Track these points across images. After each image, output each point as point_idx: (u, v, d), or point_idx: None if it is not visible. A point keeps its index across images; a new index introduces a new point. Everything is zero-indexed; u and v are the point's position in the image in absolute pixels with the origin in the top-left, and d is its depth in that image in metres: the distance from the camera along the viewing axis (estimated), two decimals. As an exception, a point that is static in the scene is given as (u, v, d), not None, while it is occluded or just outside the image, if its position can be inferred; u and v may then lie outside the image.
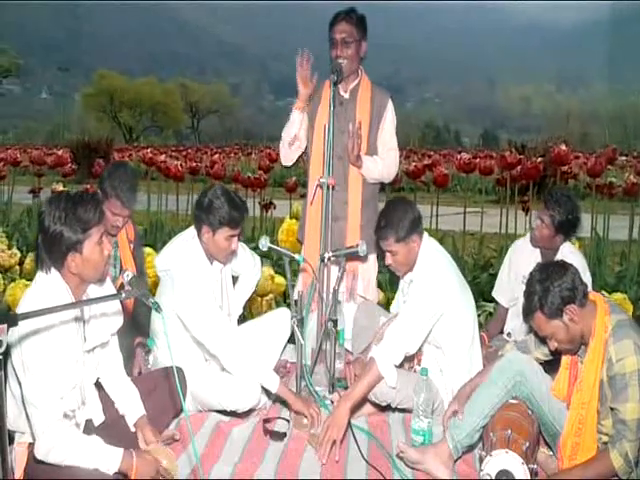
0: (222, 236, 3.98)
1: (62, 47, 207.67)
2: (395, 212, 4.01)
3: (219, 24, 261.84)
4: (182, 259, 4.04)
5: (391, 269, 4.18)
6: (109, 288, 3.38)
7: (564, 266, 3.32)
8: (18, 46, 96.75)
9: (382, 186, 5.10)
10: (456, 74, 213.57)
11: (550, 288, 3.21)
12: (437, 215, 9.32)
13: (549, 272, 3.27)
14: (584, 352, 3.33)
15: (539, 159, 9.04)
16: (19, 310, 2.97)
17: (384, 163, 4.82)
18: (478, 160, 10.38)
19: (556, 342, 3.29)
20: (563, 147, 8.24)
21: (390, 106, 4.89)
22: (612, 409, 3.18)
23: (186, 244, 4.13)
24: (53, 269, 3.03)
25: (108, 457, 2.99)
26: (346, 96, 4.81)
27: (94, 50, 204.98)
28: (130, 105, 79.01)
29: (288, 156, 4.91)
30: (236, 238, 4.06)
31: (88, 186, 10.43)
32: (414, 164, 9.94)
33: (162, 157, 12.25)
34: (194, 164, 11.74)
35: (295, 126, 4.77)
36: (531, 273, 3.34)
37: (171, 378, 3.29)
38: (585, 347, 3.32)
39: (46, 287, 3.02)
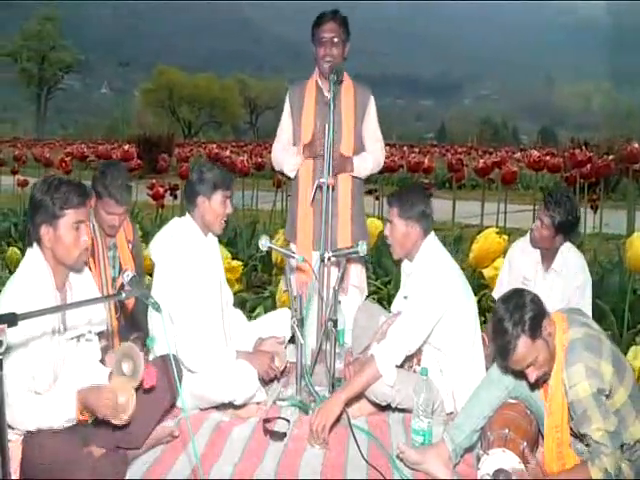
0: (217, 200, 4.15)
1: (122, 43, 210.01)
2: (411, 194, 4.10)
3: (278, 22, 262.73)
4: (175, 235, 4.15)
5: (387, 242, 4.21)
6: (88, 279, 3.49)
7: (517, 291, 3.28)
8: (79, 42, 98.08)
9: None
10: (513, 71, 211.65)
11: (524, 311, 3.14)
12: (505, 212, 9.27)
13: (512, 301, 3.19)
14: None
15: (610, 157, 8.93)
16: (6, 290, 3.13)
17: (373, 157, 4.99)
18: (548, 157, 10.28)
19: (536, 369, 3.20)
20: (636, 145, 8.12)
21: (372, 100, 5.01)
22: (583, 435, 3.14)
23: (179, 222, 4.25)
24: (35, 243, 3.20)
25: (65, 410, 3.10)
26: (330, 96, 4.79)
27: (154, 47, 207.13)
28: (189, 100, 79.68)
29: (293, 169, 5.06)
30: (229, 201, 4.22)
31: (153, 181, 10.52)
32: (482, 161, 9.90)
33: (227, 152, 12.30)
34: (259, 159, 11.78)
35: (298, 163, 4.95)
36: (495, 313, 3.24)
37: (168, 369, 3.33)
38: None
39: (29, 268, 3.19)
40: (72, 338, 3.33)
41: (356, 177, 4.96)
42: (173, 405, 3.84)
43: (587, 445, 3.16)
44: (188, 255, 4.05)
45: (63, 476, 2.97)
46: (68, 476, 2.97)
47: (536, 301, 3.19)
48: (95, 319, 3.46)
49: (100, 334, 3.56)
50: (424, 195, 4.16)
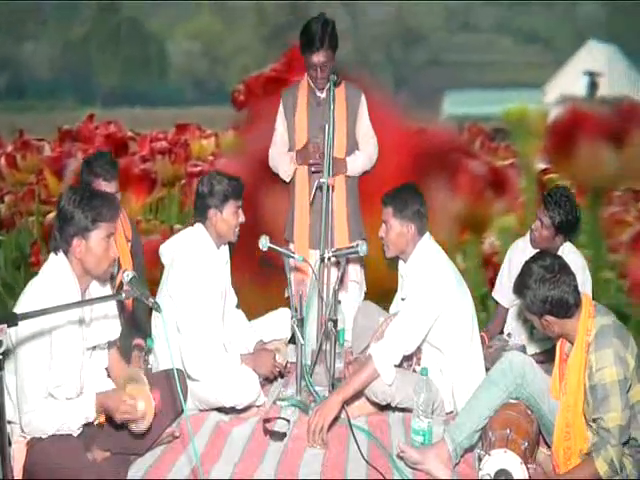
0: (230, 211, 4.13)
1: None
2: (405, 192, 4.13)
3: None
4: (188, 245, 4.16)
5: (382, 243, 4.21)
6: (108, 291, 3.50)
7: (565, 271, 3.31)
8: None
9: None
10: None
11: (537, 294, 3.26)
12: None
13: (549, 276, 3.26)
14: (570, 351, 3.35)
15: None
16: (30, 294, 3.12)
17: (365, 154, 5.01)
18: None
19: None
20: None
21: (363, 101, 5.00)
22: (595, 420, 3.17)
23: (192, 232, 4.23)
24: (61, 252, 3.19)
25: (84, 414, 3.13)
26: (322, 96, 4.88)
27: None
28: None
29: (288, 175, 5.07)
30: (241, 210, 4.20)
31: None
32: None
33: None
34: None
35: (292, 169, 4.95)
36: (536, 259, 3.37)
37: (171, 380, 3.35)
38: (571, 345, 3.35)
39: (54, 274, 3.17)
40: (88, 349, 3.35)
41: (349, 176, 4.97)
42: (178, 415, 3.80)
43: (595, 433, 3.19)
44: (198, 270, 4.03)
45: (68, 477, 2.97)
46: (73, 477, 2.97)
47: (556, 297, 3.24)
48: (111, 330, 3.48)
49: (111, 342, 3.56)
50: (419, 194, 4.15)
